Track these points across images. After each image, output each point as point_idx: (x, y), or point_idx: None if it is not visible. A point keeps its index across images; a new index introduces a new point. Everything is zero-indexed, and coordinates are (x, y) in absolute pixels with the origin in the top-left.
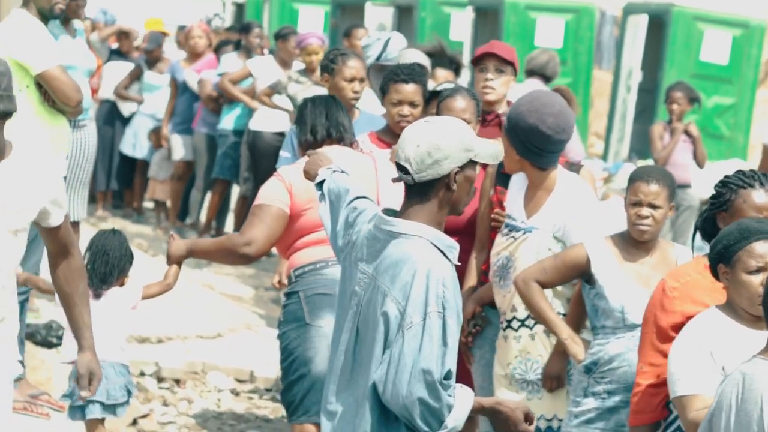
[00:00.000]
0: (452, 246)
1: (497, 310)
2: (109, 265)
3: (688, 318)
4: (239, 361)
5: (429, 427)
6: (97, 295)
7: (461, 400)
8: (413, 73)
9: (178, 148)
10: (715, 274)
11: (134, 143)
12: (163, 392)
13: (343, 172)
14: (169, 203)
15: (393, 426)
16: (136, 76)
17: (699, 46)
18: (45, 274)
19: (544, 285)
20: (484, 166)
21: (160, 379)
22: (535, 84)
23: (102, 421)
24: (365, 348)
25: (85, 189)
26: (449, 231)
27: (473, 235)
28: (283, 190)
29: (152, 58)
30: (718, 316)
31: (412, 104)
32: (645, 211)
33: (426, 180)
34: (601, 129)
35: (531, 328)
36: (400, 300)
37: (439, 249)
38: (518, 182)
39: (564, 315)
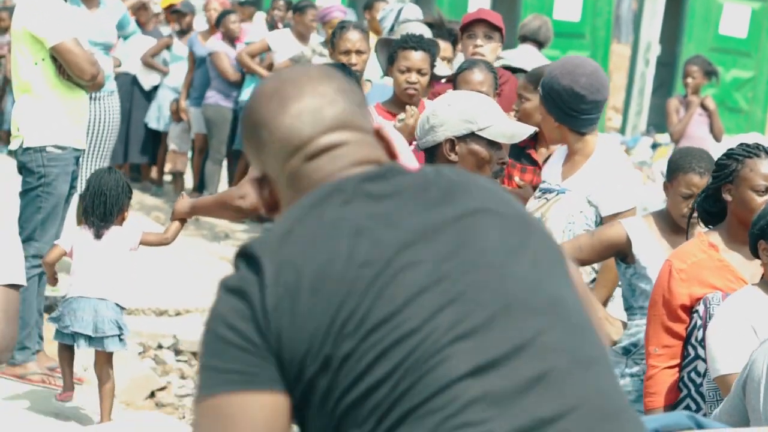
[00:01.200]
0: None
1: None
2: (107, 205)
3: (696, 300)
4: None
5: None
6: (98, 236)
7: None
8: (422, 42)
9: (197, 120)
10: (754, 251)
11: (158, 116)
12: (180, 365)
13: None
14: (187, 176)
15: None
16: (165, 45)
17: (718, 19)
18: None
19: (580, 263)
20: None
21: (178, 352)
22: (528, 50)
23: (109, 357)
24: None
25: (104, 162)
26: None
27: None
28: None
29: (183, 26)
30: (756, 294)
31: (420, 72)
32: None
33: (427, 147)
34: (619, 103)
35: None
36: None
37: None
38: (560, 153)
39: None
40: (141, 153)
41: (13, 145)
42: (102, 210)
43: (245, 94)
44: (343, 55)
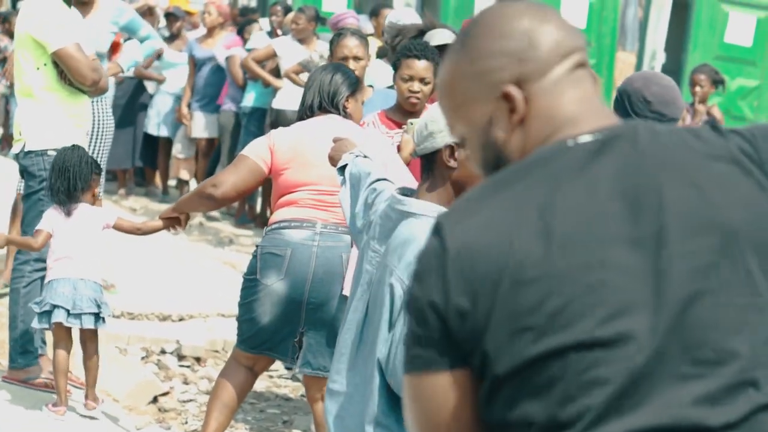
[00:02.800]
0: None
1: None
2: (71, 180)
3: None
4: None
5: None
6: (68, 213)
7: None
8: (426, 50)
9: (199, 125)
10: None
11: (157, 122)
12: (183, 370)
13: (366, 156)
14: (192, 182)
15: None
16: (156, 54)
17: (723, 28)
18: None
19: None
20: None
21: (181, 357)
22: None
23: (93, 335)
24: (372, 328)
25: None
26: None
27: None
28: (265, 147)
29: (174, 30)
30: None
31: (423, 81)
32: None
33: (425, 153)
34: None
35: None
36: (404, 280)
37: None
38: None
39: None
40: (141, 158)
41: (16, 149)
42: (66, 185)
43: (248, 99)
44: (340, 61)
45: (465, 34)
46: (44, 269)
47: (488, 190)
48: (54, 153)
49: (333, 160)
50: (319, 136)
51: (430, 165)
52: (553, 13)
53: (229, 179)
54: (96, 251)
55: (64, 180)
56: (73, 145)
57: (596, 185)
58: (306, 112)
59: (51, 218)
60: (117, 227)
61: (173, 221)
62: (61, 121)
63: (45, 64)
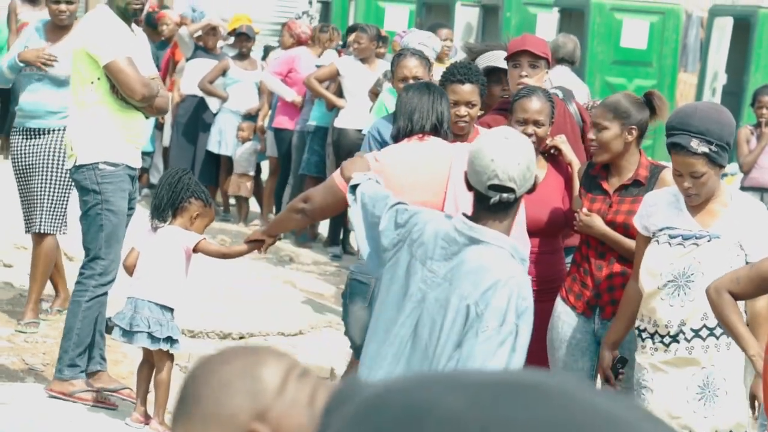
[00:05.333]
0: (525, 259)
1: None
2: (156, 200)
3: None
4: (320, 359)
5: None
6: (154, 228)
7: None
8: (469, 73)
9: (271, 143)
10: None
11: (219, 140)
12: None
13: (377, 181)
14: (251, 200)
15: None
16: (222, 70)
17: None
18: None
19: (736, 296)
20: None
21: None
22: (563, 71)
23: (161, 356)
24: (419, 346)
25: None
26: (529, 232)
27: (552, 235)
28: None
29: (244, 50)
30: None
31: (469, 104)
32: None
33: (525, 192)
34: None
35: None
36: (480, 304)
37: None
38: (663, 197)
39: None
40: (201, 176)
41: (68, 164)
42: (155, 203)
43: (311, 118)
44: (401, 81)
45: (186, 398)
46: (108, 284)
47: None
48: (105, 166)
49: (343, 172)
50: (424, 165)
51: (515, 203)
52: (265, 350)
53: (318, 196)
54: (168, 273)
55: (154, 197)
56: (182, 169)
57: None
58: (409, 131)
59: (139, 234)
60: (201, 249)
61: (258, 245)
62: (111, 135)
63: (99, 78)
